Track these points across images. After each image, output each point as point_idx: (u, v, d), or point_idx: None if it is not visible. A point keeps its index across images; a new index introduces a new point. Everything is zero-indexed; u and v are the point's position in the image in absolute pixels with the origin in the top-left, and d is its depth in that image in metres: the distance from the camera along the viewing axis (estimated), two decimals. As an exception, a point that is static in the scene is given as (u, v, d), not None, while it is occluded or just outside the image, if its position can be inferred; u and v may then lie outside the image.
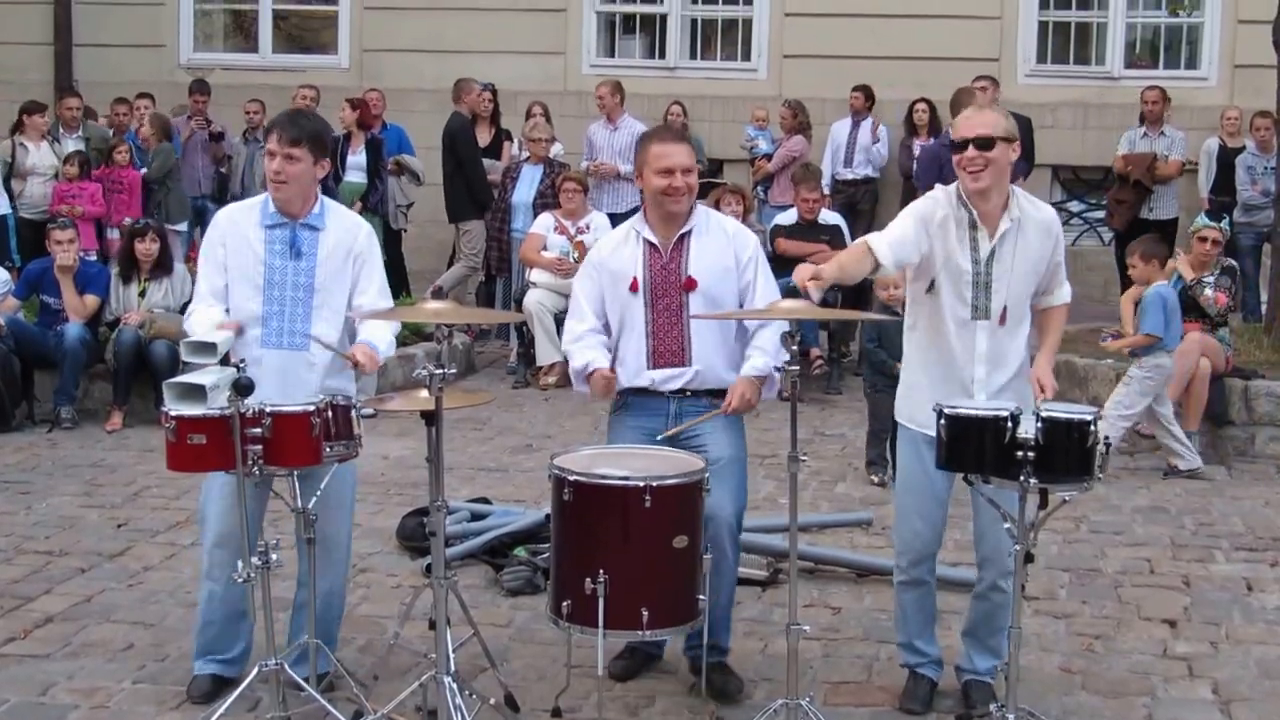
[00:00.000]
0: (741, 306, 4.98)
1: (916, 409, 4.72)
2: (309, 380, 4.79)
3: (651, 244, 4.99)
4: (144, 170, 12.16)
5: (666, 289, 4.96)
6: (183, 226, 12.34)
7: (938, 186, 4.78)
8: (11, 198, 11.87)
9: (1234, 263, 8.94)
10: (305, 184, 4.82)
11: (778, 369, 4.72)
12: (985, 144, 4.55)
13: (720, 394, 4.94)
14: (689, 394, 4.97)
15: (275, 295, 4.82)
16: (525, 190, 11.15)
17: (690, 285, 4.93)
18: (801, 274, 4.38)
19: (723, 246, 5.00)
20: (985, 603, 4.88)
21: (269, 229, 4.85)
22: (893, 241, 4.60)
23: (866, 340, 7.89)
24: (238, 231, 4.87)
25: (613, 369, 4.98)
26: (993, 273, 4.65)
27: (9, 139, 12.11)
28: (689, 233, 4.99)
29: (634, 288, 4.97)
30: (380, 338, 4.86)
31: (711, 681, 4.95)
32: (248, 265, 4.83)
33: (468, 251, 11.74)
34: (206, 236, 5.00)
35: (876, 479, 7.78)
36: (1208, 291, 8.50)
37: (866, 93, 13.29)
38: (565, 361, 10.07)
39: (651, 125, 12.78)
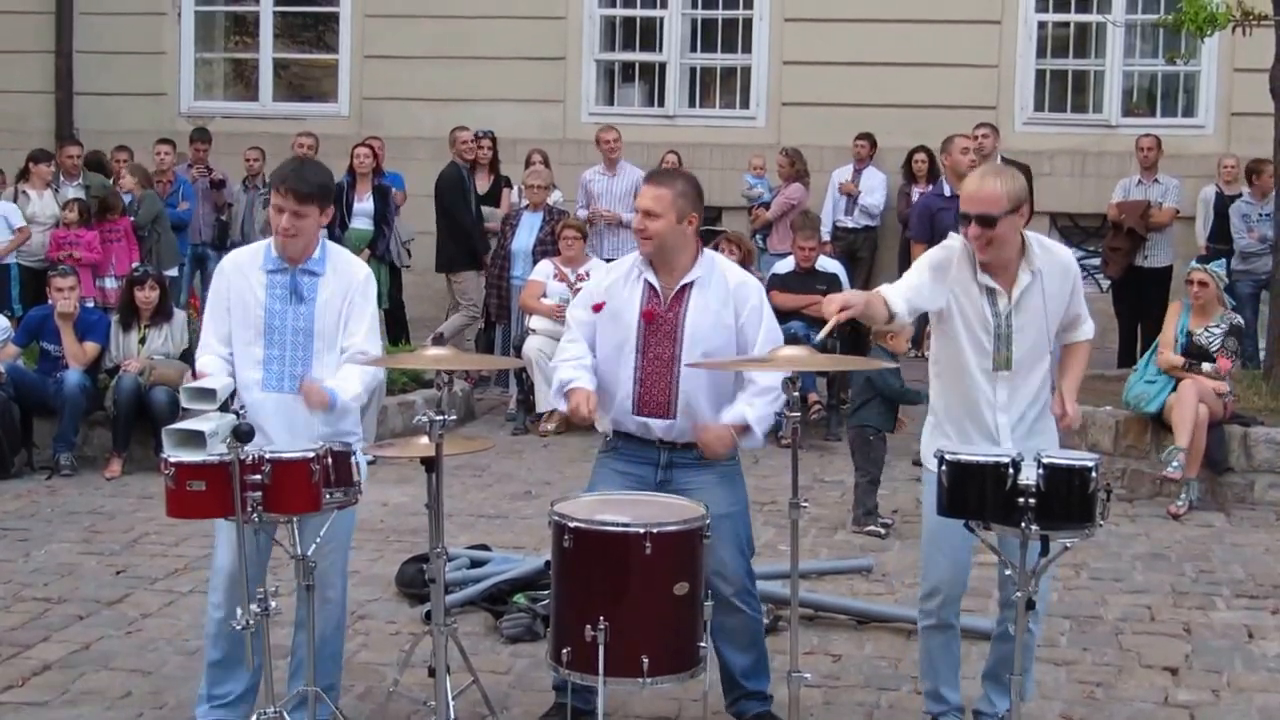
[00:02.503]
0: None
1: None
2: (311, 423, 4.79)
3: (653, 287, 4.92)
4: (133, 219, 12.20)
5: (660, 338, 4.88)
6: (174, 272, 12.37)
7: (952, 235, 4.77)
8: (10, 246, 11.91)
9: (1240, 320, 8.94)
10: (312, 235, 4.86)
11: (768, 424, 4.75)
12: (988, 222, 4.54)
13: None
14: (680, 445, 4.91)
15: (276, 339, 4.84)
16: (525, 237, 11.17)
17: (671, 334, 4.84)
18: (832, 303, 4.41)
19: (723, 302, 4.90)
20: (1008, 644, 4.79)
21: (270, 274, 4.87)
22: (906, 291, 4.60)
23: (885, 382, 7.72)
24: (241, 277, 4.90)
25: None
26: (1013, 325, 4.66)
27: (13, 187, 12.14)
28: (691, 284, 4.90)
29: (648, 317, 4.86)
30: (345, 388, 4.79)
31: None
32: (249, 310, 4.86)
33: (464, 302, 11.77)
34: (213, 284, 5.02)
35: (883, 531, 7.72)
36: (1213, 364, 8.49)
37: (871, 140, 13.39)
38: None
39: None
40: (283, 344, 4.84)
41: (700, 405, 4.86)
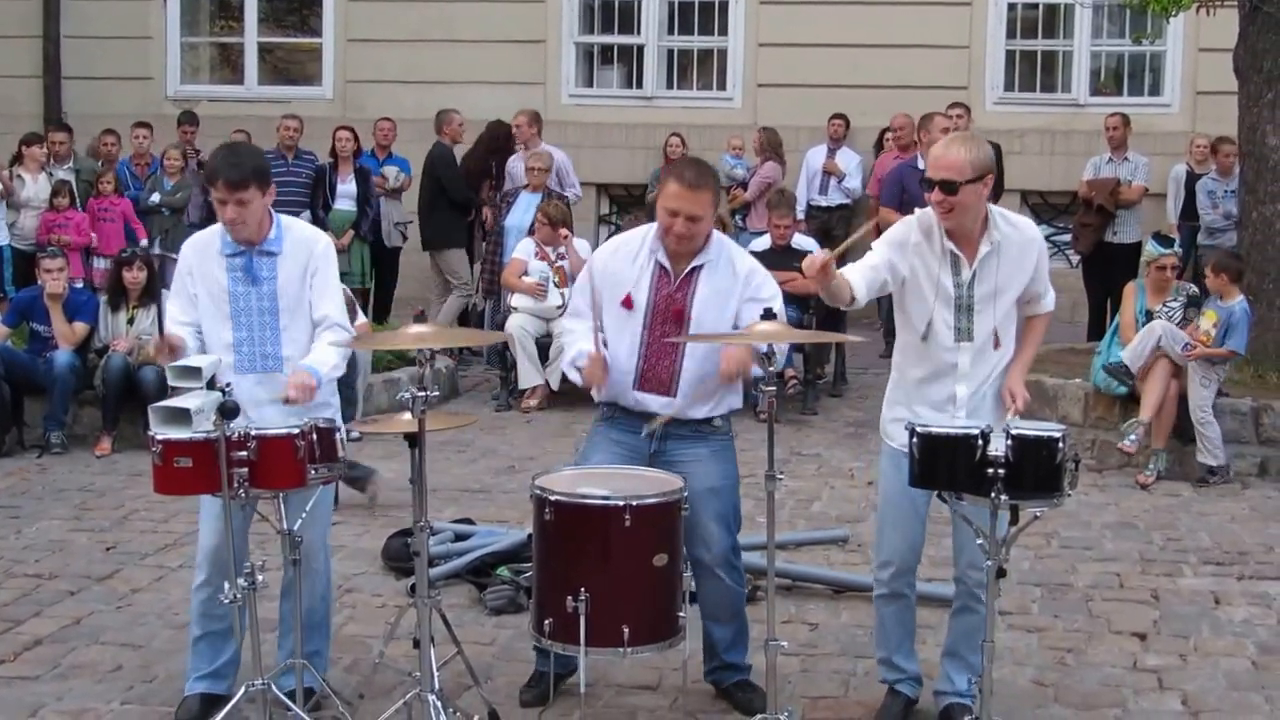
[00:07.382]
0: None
1: (897, 426, 4.75)
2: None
3: (663, 268, 4.92)
4: (154, 198, 12.22)
5: (668, 316, 4.89)
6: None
7: (917, 210, 4.84)
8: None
9: (1195, 289, 9.09)
10: (260, 216, 4.88)
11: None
12: (949, 188, 4.58)
13: (701, 424, 4.94)
14: (671, 421, 4.93)
15: (243, 321, 4.89)
16: (520, 215, 11.19)
17: (678, 316, 4.87)
18: (813, 261, 4.42)
19: (730, 284, 4.91)
20: (966, 617, 4.87)
21: (229, 257, 4.91)
22: (866, 272, 4.64)
23: None
24: (202, 262, 4.94)
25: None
26: (974, 295, 4.69)
27: (7, 170, 12.15)
28: (701, 266, 4.91)
29: (628, 304, 4.89)
30: (323, 360, 4.87)
31: (735, 699, 5.07)
32: (215, 294, 4.90)
33: (455, 281, 11.84)
34: (176, 269, 5.05)
35: None
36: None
37: (845, 120, 13.49)
38: (546, 385, 10.26)
39: (627, 154, 12.99)
40: (249, 325, 4.89)
41: (696, 381, 4.90)
